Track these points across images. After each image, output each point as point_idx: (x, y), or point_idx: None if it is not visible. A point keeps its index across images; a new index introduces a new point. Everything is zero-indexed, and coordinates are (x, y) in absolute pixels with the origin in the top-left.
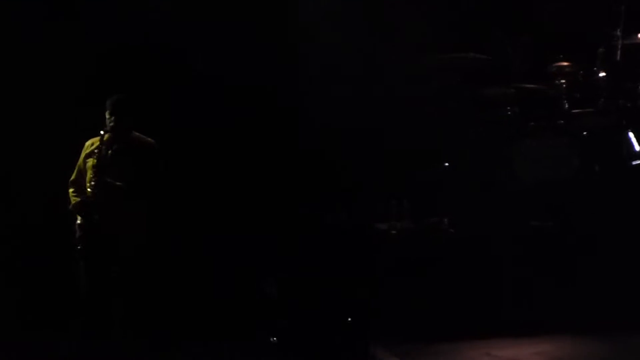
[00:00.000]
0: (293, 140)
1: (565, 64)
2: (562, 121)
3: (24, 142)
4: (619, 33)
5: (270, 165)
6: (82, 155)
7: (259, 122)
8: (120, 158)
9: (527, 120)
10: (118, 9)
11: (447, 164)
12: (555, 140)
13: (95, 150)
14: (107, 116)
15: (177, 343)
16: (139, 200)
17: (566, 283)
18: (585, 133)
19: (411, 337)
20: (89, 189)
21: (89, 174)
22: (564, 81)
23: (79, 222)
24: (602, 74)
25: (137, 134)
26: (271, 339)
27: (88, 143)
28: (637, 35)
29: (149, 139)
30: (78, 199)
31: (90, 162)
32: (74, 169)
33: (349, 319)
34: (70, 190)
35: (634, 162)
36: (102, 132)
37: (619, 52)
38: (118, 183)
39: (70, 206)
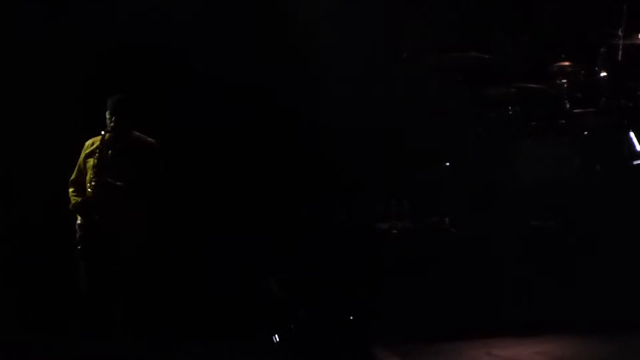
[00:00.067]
0: (293, 140)
1: (567, 63)
2: (563, 121)
3: (24, 142)
4: (620, 33)
5: (270, 165)
6: (82, 154)
7: (259, 122)
8: (120, 158)
9: (528, 120)
10: (118, 9)
11: (448, 164)
12: (556, 140)
13: (97, 151)
14: (108, 116)
15: (177, 343)
16: (140, 200)
17: (567, 283)
18: (586, 133)
19: (411, 337)
20: (89, 189)
21: (90, 174)
22: (565, 81)
23: (79, 222)
24: (603, 74)
25: (138, 133)
26: (273, 339)
27: (88, 142)
28: (638, 35)
29: (150, 138)
30: (78, 199)
31: (91, 161)
32: (74, 168)
33: (351, 319)
34: (70, 189)
35: (635, 162)
36: (103, 132)
37: (620, 51)
38: (118, 183)
39: (70, 206)
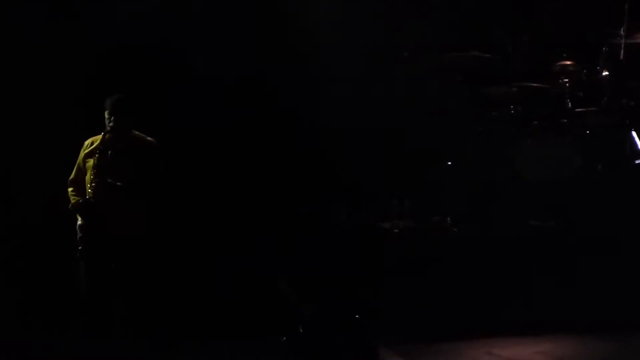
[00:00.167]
0: (293, 140)
1: (568, 62)
2: (565, 120)
3: (24, 142)
4: (622, 32)
5: (271, 165)
6: (82, 154)
7: (259, 122)
8: (120, 158)
9: (529, 120)
10: (118, 9)
11: (449, 163)
12: (558, 139)
13: (96, 151)
14: (107, 116)
15: (177, 343)
16: (140, 200)
17: (567, 283)
18: (588, 132)
19: (412, 337)
20: (89, 190)
21: (89, 174)
22: (567, 80)
23: (79, 222)
24: (605, 73)
25: (137, 133)
26: (279, 338)
27: (87, 142)
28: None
29: (149, 138)
30: (77, 199)
31: (91, 162)
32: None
33: (355, 318)
34: (70, 189)
35: (637, 161)
36: (103, 133)
37: (622, 51)
38: (118, 183)
39: (70, 206)
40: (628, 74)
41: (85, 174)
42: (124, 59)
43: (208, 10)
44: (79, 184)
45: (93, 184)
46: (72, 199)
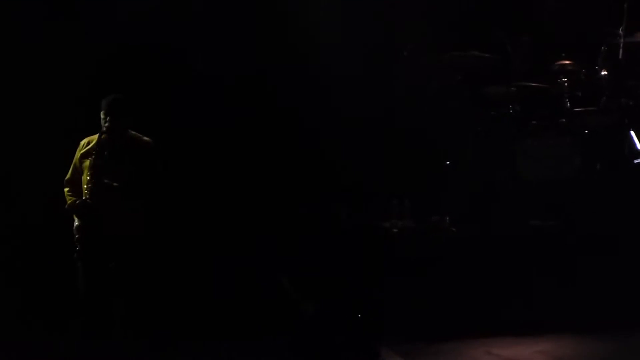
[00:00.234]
0: (293, 140)
1: (567, 62)
2: (564, 120)
3: (24, 142)
4: (621, 31)
5: (270, 165)
6: (78, 154)
7: (259, 122)
8: (117, 158)
9: (528, 119)
10: (118, 9)
11: (448, 163)
12: (557, 139)
13: (92, 152)
14: (103, 116)
15: (177, 343)
16: (137, 200)
17: (567, 282)
18: (587, 132)
19: (412, 336)
20: (86, 191)
21: (86, 175)
22: (565, 80)
23: (76, 223)
24: (604, 73)
25: (134, 133)
26: (280, 338)
27: (83, 142)
28: (639, 33)
29: (146, 138)
30: (74, 199)
31: (87, 162)
32: None
33: (359, 317)
34: (66, 189)
35: (636, 161)
36: (99, 133)
37: (621, 50)
38: (115, 184)
39: (67, 206)
40: (627, 74)
41: (82, 174)
42: (124, 59)
43: (208, 11)
44: (75, 184)
45: (89, 185)
46: (69, 199)
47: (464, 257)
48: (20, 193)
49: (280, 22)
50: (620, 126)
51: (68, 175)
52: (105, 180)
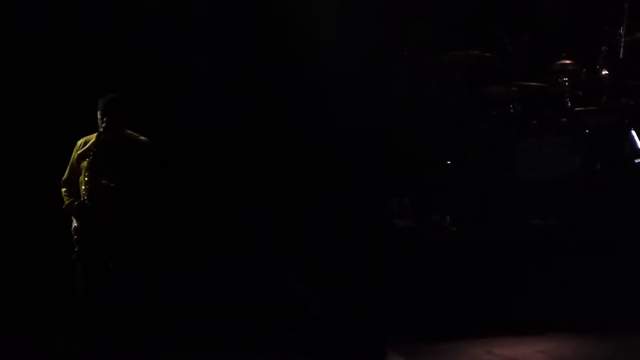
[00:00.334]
0: (293, 140)
1: (568, 62)
2: (564, 119)
3: (24, 142)
4: (622, 31)
5: (270, 165)
6: (75, 154)
7: (259, 122)
8: (114, 158)
9: (529, 119)
10: (118, 9)
11: (449, 162)
12: (557, 138)
13: (90, 152)
14: (100, 116)
15: (177, 343)
16: (136, 200)
17: (567, 282)
18: (587, 131)
19: (412, 336)
20: (83, 191)
21: (83, 175)
22: (566, 79)
23: (75, 224)
24: (604, 72)
25: (131, 132)
26: (285, 336)
27: (80, 142)
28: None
29: (143, 137)
30: (71, 200)
31: (84, 163)
32: None
33: (362, 317)
34: (63, 190)
35: (637, 161)
36: (97, 134)
37: (621, 49)
38: (113, 184)
39: (64, 206)
40: (628, 73)
41: (79, 174)
42: (124, 59)
43: (208, 11)
44: (72, 184)
45: (87, 186)
46: (66, 200)
47: (465, 257)
48: (20, 193)
49: (280, 22)
50: (620, 126)
51: (65, 176)
52: (103, 181)
